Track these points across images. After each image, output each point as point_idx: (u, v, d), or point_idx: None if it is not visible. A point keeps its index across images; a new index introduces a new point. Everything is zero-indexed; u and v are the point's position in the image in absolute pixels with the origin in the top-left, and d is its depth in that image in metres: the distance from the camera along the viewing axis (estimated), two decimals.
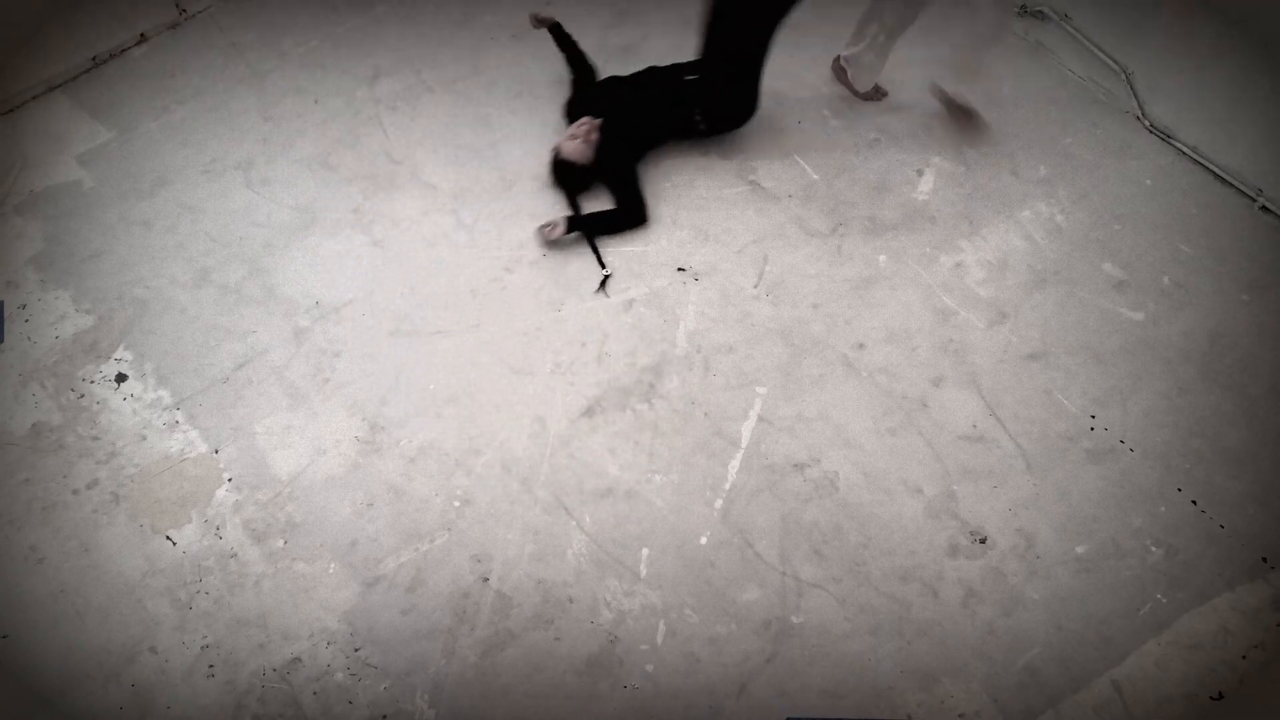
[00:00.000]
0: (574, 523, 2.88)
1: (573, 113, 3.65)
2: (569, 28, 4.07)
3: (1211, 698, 2.59)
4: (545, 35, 4.03)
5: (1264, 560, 2.77)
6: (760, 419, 3.05)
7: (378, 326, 3.28)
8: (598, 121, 3.50)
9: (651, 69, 3.66)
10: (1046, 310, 3.24)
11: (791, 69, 3.89)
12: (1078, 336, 3.18)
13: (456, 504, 2.93)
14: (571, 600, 2.76)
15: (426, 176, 3.65)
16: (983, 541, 2.82)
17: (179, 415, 3.12)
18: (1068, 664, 2.63)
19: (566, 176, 3.54)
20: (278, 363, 3.21)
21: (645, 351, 3.20)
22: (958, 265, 3.35)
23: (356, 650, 2.70)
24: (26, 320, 3.34)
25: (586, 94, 3.69)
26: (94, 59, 3.99)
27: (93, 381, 3.20)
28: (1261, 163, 3.39)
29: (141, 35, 4.06)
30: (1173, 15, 3.42)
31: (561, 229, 3.38)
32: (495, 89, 3.89)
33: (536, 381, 3.14)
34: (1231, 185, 3.48)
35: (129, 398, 3.16)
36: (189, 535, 2.90)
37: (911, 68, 3.87)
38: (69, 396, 3.17)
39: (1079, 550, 2.80)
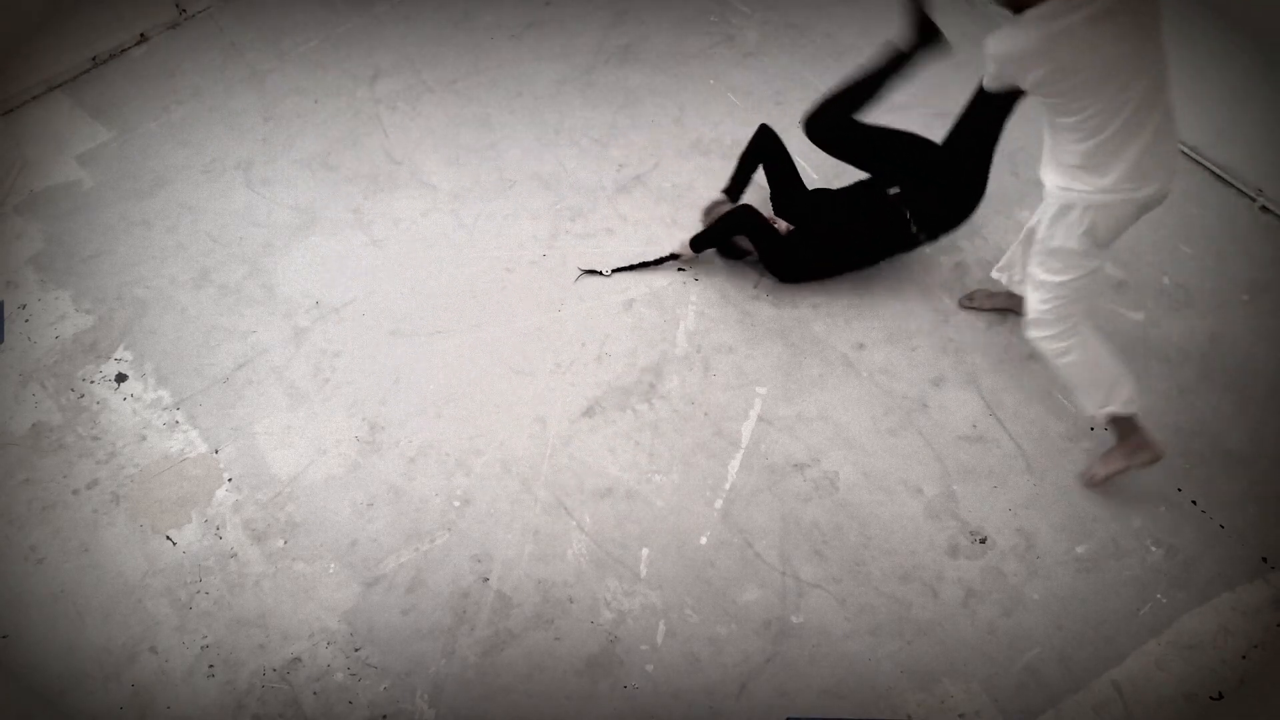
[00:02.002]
0: (574, 523, 2.88)
1: (774, 205, 3.38)
2: (569, 27, 4.07)
3: (1211, 698, 2.59)
4: (545, 35, 4.03)
5: (1264, 560, 2.76)
6: (760, 419, 3.05)
7: (378, 326, 3.28)
8: (787, 228, 3.26)
9: (860, 185, 3.21)
10: None
11: (791, 68, 3.89)
12: None
13: (456, 504, 2.93)
14: (571, 600, 2.76)
15: (426, 176, 3.65)
16: (983, 541, 2.82)
17: (179, 415, 3.12)
18: (1068, 664, 2.63)
19: (738, 221, 3.23)
20: (278, 363, 3.21)
21: (645, 351, 3.20)
22: (958, 265, 3.35)
23: (356, 650, 2.70)
24: (26, 320, 3.34)
25: (790, 195, 3.35)
26: (94, 59, 3.99)
27: (93, 381, 3.20)
28: (1261, 163, 3.38)
29: (141, 35, 4.06)
30: (1172, 15, 3.41)
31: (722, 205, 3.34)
32: (495, 89, 3.89)
33: (536, 381, 3.14)
34: (1231, 185, 3.48)
35: (129, 398, 3.16)
36: (189, 535, 2.90)
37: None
38: (69, 396, 3.17)
39: (1079, 550, 2.80)
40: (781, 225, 3.28)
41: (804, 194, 3.34)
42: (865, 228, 3.17)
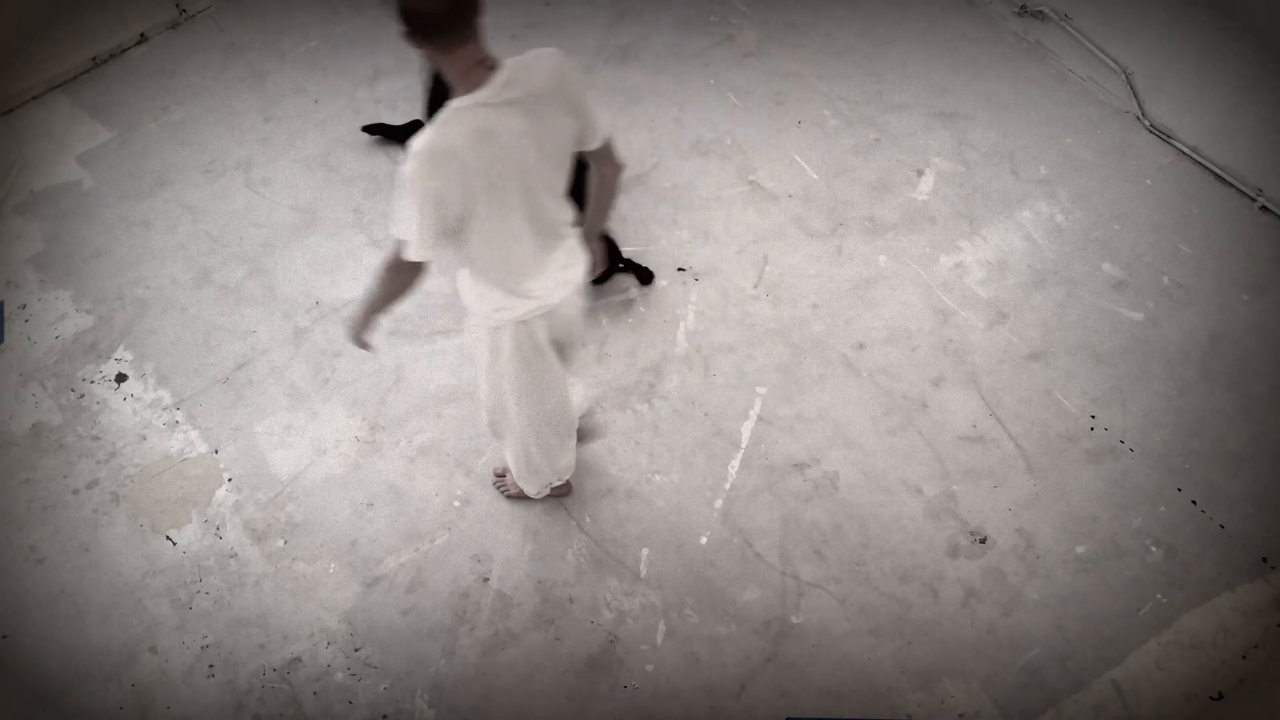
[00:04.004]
0: (574, 523, 2.88)
1: None
2: (569, 27, 4.07)
3: (1211, 698, 2.59)
4: (545, 35, 4.03)
5: (1264, 560, 2.77)
6: (760, 419, 3.05)
7: (377, 326, 3.27)
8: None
9: None
10: (1046, 310, 3.24)
11: (790, 67, 3.89)
12: (1078, 336, 3.18)
13: (456, 504, 2.93)
14: (571, 600, 2.76)
15: None
16: (983, 541, 2.82)
17: (179, 415, 3.12)
18: (1068, 664, 2.63)
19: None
20: (278, 363, 3.21)
21: (645, 351, 3.20)
22: (958, 265, 3.35)
23: (356, 650, 2.70)
24: (26, 320, 3.34)
25: None
26: (94, 59, 3.99)
27: (93, 381, 3.20)
28: (1261, 163, 3.39)
29: (141, 35, 4.06)
30: (1173, 15, 3.42)
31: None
32: None
33: None
34: (1231, 185, 3.48)
35: (129, 398, 3.16)
36: (189, 535, 2.90)
37: (909, 69, 3.88)
38: (69, 396, 3.17)
39: (1079, 550, 2.80)
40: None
41: None
42: None
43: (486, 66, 1.89)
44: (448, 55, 1.86)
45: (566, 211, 2.16)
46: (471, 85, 1.88)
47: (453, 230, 1.99)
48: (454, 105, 1.89)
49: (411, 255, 1.99)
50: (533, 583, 2.79)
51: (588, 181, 2.28)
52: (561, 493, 2.90)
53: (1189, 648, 2.65)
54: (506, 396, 2.43)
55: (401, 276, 2.09)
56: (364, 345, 2.36)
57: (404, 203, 1.92)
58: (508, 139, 1.92)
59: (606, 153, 2.17)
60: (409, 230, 1.95)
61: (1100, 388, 3.07)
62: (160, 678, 2.68)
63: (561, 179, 2.09)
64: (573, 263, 2.24)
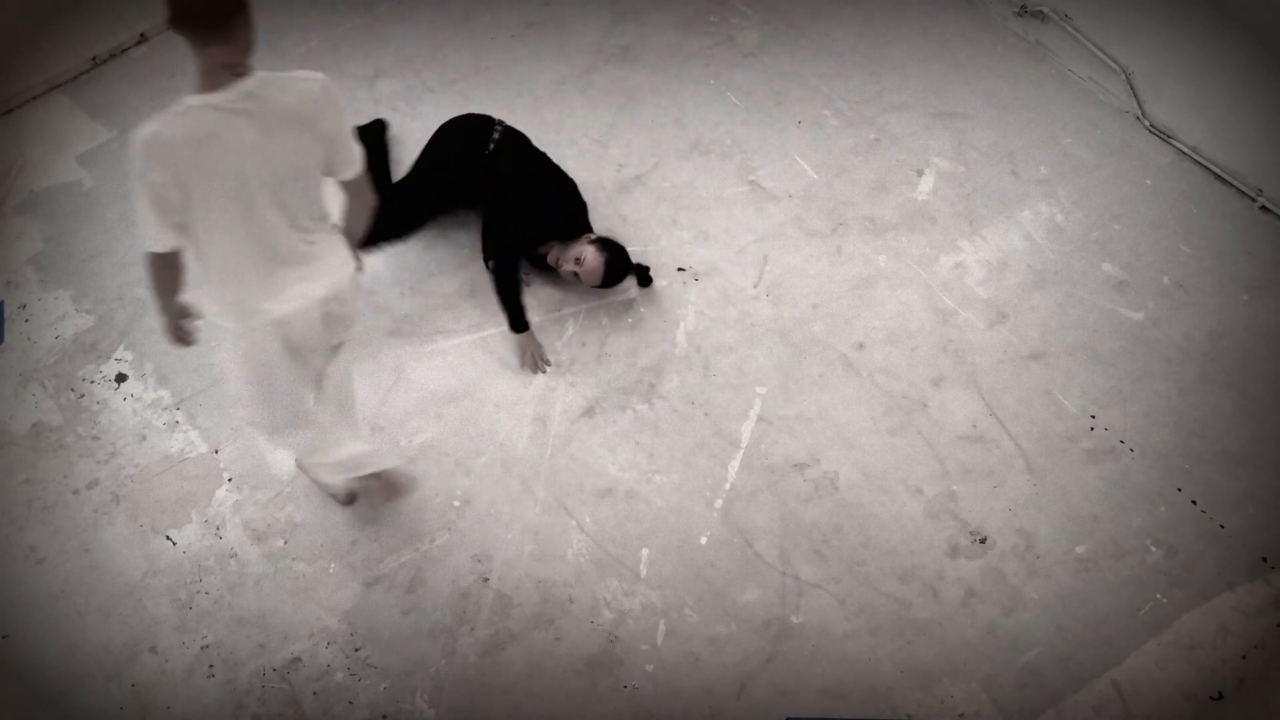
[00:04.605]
0: (574, 523, 2.88)
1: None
2: (569, 27, 4.07)
3: (1211, 698, 2.59)
4: (545, 35, 4.03)
5: (1264, 560, 2.77)
6: (760, 419, 3.05)
7: (377, 326, 3.28)
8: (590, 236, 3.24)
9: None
10: (1046, 310, 3.24)
11: (790, 67, 3.89)
12: (1078, 336, 3.18)
13: (456, 504, 2.93)
14: (571, 600, 2.76)
15: None
16: (983, 541, 2.82)
17: (179, 415, 3.12)
18: (1068, 664, 2.63)
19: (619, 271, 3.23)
20: None
21: (645, 351, 3.20)
22: (958, 265, 3.35)
23: (356, 650, 2.70)
24: (26, 320, 3.34)
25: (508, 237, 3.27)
26: (94, 59, 3.99)
27: (93, 381, 3.20)
28: (1261, 163, 3.39)
29: (141, 35, 4.06)
30: (1173, 15, 3.42)
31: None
32: (495, 89, 3.89)
33: (537, 381, 3.14)
34: (1231, 185, 3.48)
35: (129, 398, 3.16)
36: (189, 535, 2.90)
37: (909, 69, 3.88)
38: (69, 396, 3.17)
39: (1079, 550, 2.80)
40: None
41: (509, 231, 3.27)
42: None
43: (234, 72, 1.89)
44: (199, 50, 1.88)
45: (305, 232, 2.13)
46: (211, 86, 1.89)
47: (178, 226, 1.99)
48: (185, 101, 1.89)
49: (147, 247, 2.01)
50: (533, 583, 2.79)
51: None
52: (387, 489, 2.77)
53: (1189, 648, 2.65)
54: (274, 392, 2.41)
55: (160, 270, 2.10)
56: (183, 343, 2.35)
57: (135, 196, 1.94)
58: (233, 147, 1.91)
59: (358, 187, 2.19)
60: (142, 223, 1.97)
61: (1100, 388, 3.07)
62: (160, 678, 2.68)
63: (299, 201, 2.07)
64: (314, 277, 2.20)
